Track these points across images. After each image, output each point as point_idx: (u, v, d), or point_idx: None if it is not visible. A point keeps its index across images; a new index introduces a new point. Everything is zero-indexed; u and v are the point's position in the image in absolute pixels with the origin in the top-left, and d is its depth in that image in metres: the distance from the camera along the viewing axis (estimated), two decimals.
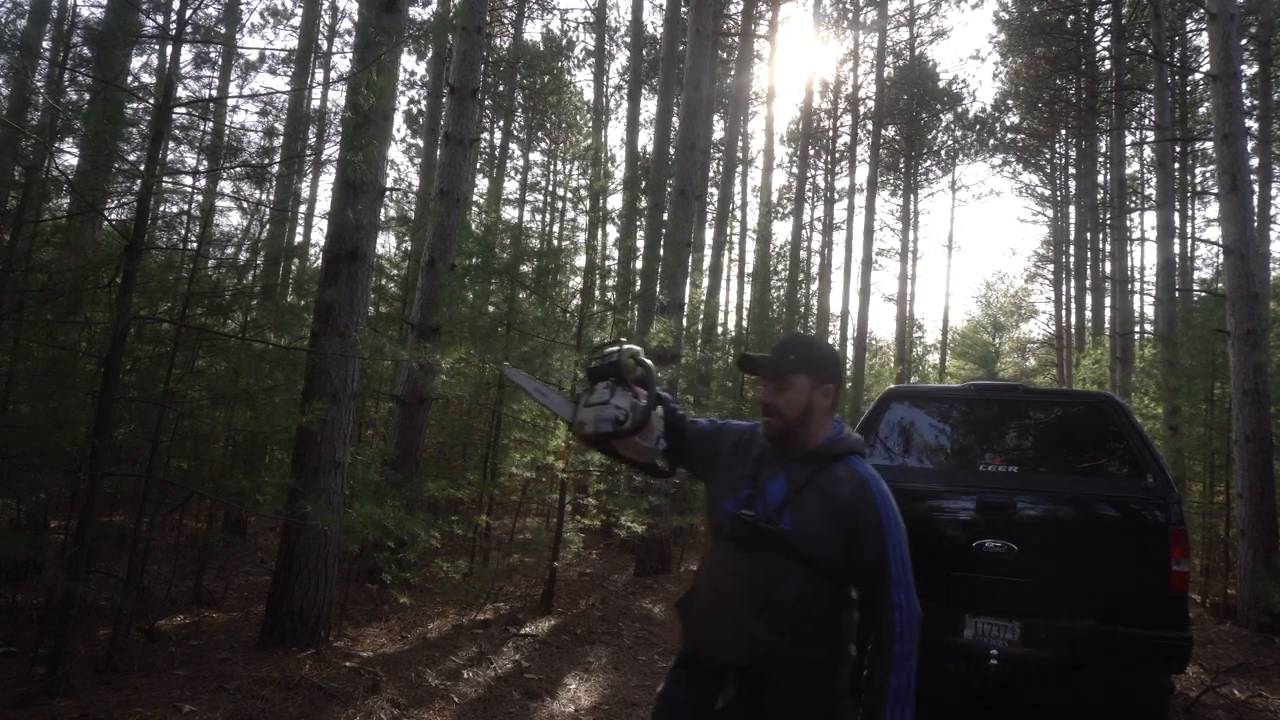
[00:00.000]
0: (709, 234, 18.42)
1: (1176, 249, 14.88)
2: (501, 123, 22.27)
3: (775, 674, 1.72)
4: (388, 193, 7.66)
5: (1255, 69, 15.64)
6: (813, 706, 1.75)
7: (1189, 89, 18.45)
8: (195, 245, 5.21)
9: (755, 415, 2.03)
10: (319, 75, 17.06)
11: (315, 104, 17.11)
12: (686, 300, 10.55)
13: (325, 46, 18.22)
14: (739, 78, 19.53)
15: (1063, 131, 24.65)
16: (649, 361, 2.00)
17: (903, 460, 4.61)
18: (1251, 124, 14.89)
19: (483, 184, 22.89)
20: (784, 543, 1.74)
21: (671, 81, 11.78)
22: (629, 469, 2.05)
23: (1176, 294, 13.46)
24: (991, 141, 26.97)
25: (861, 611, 1.84)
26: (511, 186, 25.24)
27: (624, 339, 1.95)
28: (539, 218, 24.04)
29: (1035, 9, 21.40)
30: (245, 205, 5.90)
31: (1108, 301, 21.42)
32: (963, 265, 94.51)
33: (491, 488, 7.41)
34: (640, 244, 10.89)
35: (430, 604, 6.31)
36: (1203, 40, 17.71)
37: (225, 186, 5.44)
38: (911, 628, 1.75)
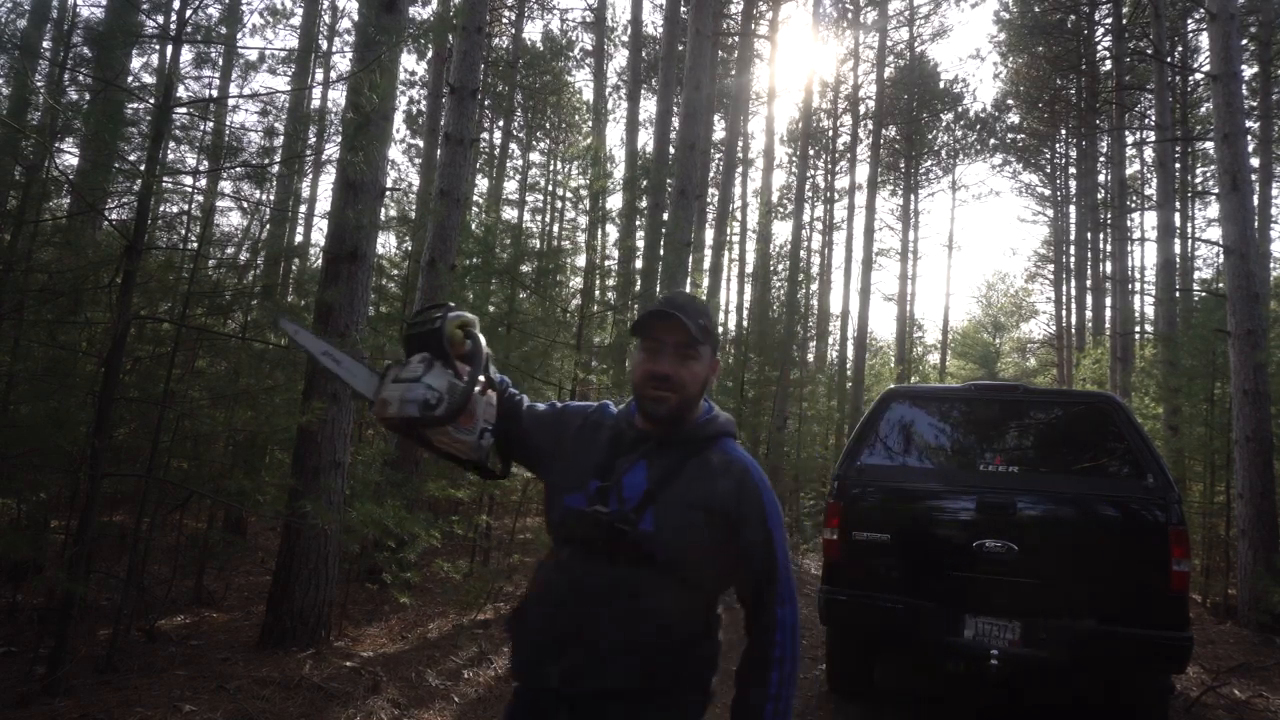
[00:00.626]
0: (709, 234, 18.44)
1: (1177, 249, 14.88)
2: (501, 123, 22.29)
3: (622, 712, 1.43)
4: (388, 193, 7.66)
5: (1255, 69, 15.64)
6: None
7: (1189, 89, 18.45)
8: (195, 245, 5.21)
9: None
10: (319, 75, 17.07)
11: (315, 104, 17.12)
12: None
13: (325, 46, 18.22)
14: (739, 78, 19.54)
15: (1063, 131, 24.66)
16: (480, 335, 1.62)
17: (903, 460, 4.62)
18: (1252, 124, 14.89)
19: (483, 184, 22.90)
20: (644, 548, 1.42)
21: (671, 81, 11.78)
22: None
23: (1177, 294, 13.46)
24: (992, 141, 27.01)
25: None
26: (511, 186, 25.25)
27: (454, 304, 1.63)
28: (539, 218, 24.07)
29: (1035, 9, 21.41)
30: (245, 205, 5.91)
31: (1108, 301, 21.44)
32: (963, 265, 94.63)
33: (491, 488, 7.40)
34: (640, 244, 10.89)
35: (431, 604, 6.30)
36: (1203, 40, 17.73)
37: (225, 186, 5.45)
38: (794, 649, 1.48)
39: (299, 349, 1.76)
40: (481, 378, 1.56)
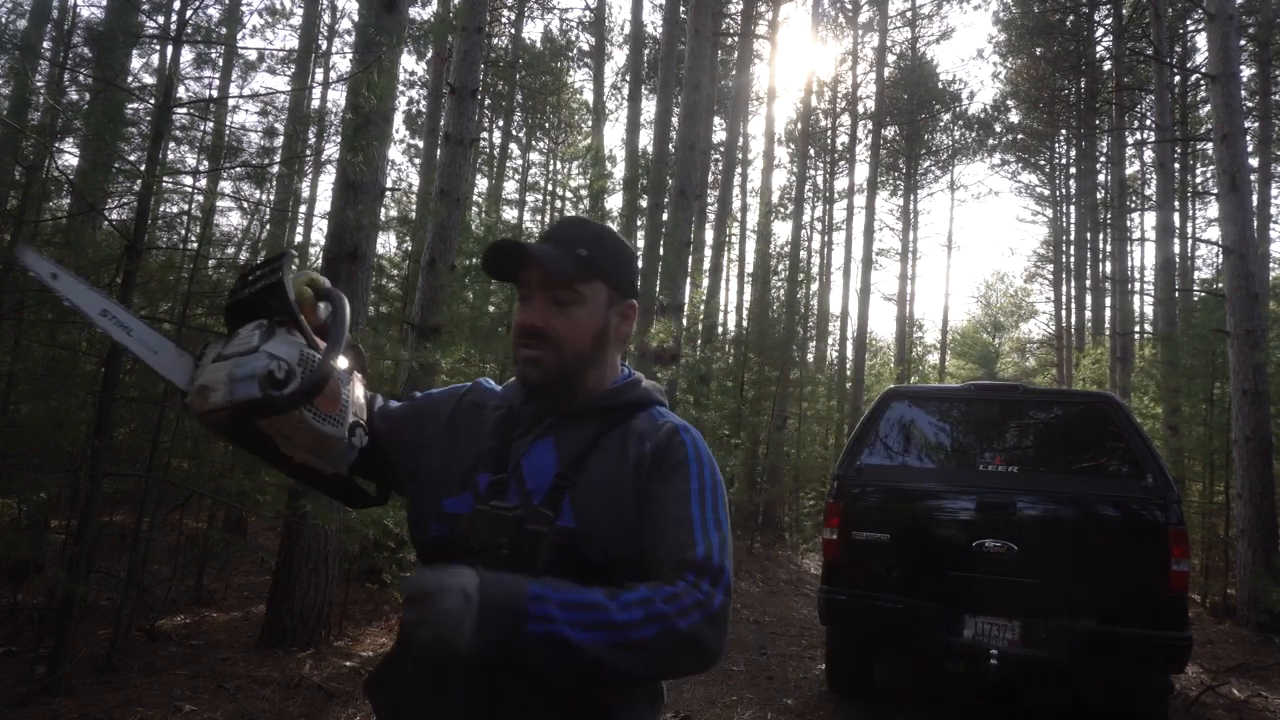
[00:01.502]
0: (709, 234, 18.44)
1: (1176, 249, 14.89)
2: (501, 123, 22.29)
3: None
4: (388, 193, 7.66)
5: (1254, 69, 15.65)
6: None
7: (1189, 89, 18.46)
8: (195, 245, 5.21)
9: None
10: (319, 75, 17.08)
11: (315, 104, 17.13)
12: (687, 300, 10.57)
13: (325, 46, 18.22)
14: (739, 78, 19.54)
15: (1063, 131, 24.67)
16: (335, 290, 1.22)
17: (903, 460, 4.62)
18: (1251, 124, 14.90)
19: (483, 184, 22.89)
20: (567, 549, 1.05)
21: (671, 81, 11.78)
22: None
23: (1176, 294, 13.47)
24: (991, 141, 27.02)
25: None
26: (511, 186, 25.25)
27: (293, 250, 1.28)
28: (539, 218, 24.06)
29: (1036, 9, 21.42)
30: (245, 205, 5.91)
31: (1108, 301, 21.45)
32: (963, 265, 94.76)
33: None
34: (640, 244, 10.89)
35: None
36: (1202, 40, 17.72)
37: (225, 186, 5.46)
38: (689, 629, 0.97)
39: (63, 303, 1.17)
40: (343, 358, 1.13)
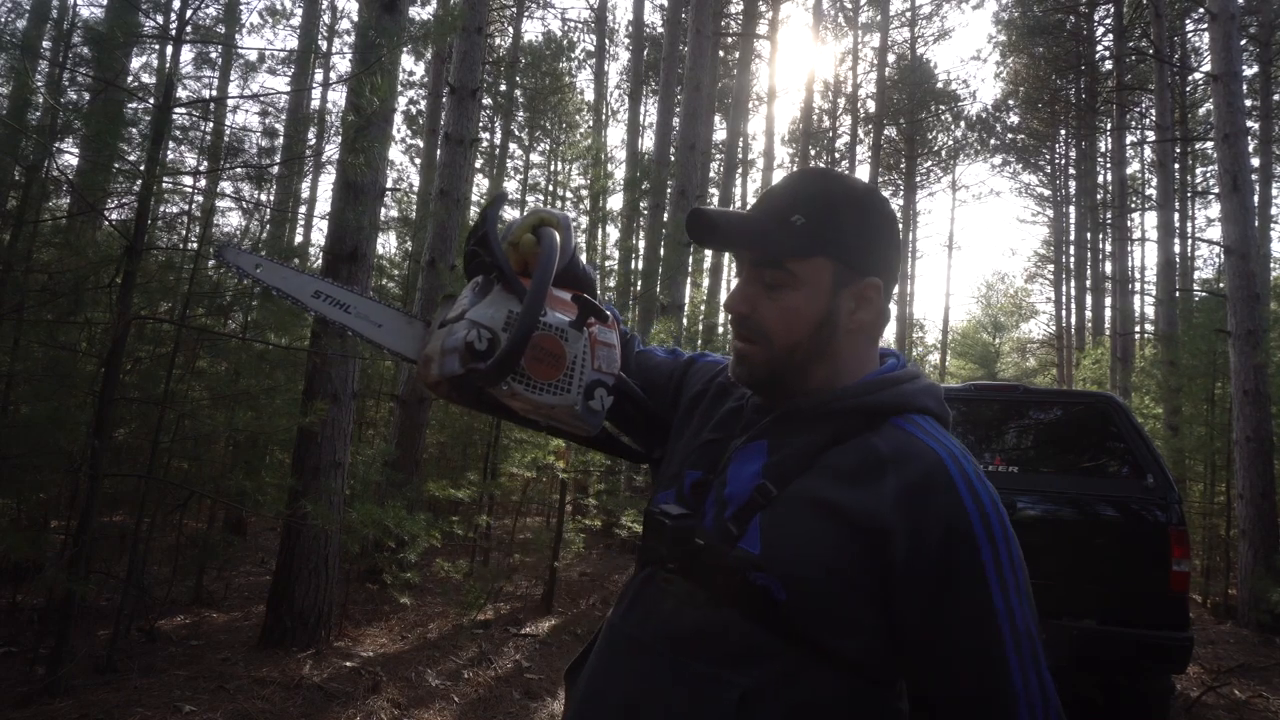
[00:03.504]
0: None
1: (1177, 249, 14.88)
2: (501, 123, 22.28)
3: None
4: (388, 193, 7.66)
5: (1255, 69, 15.64)
6: None
7: (1189, 89, 18.45)
8: (196, 245, 5.21)
9: None
10: (319, 75, 17.08)
11: (315, 104, 17.13)
12: (687, 301, 10.57)
13: (325, 47, 18.22)
14: (739, 78, 19.53)
15: (1063, 131, 24.67)
16: (547, 229, 1.03)
17: None
18: (1252, 124, 14.90)
19: (483, 184, 22.89)
20: (741, 582, 0.84)
21: (672, 82, 11.78)
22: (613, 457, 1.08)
23: (1177, 294, 13.46)
24: (992, 141, 27.03)
25: None
26: (512, 186, 25.24)
27: (505, 192, 1.17)
28: None
29: (1036, 9, 21.42)
30: (245, 205, 5.91)
31: (1108, 301, 21.44)
32: (963, 265, 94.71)
33: (492, 488, 7.40)
34: (641, 244, 10.89)
35: (431, 604, 6.30)
36: (1203, 40, 17.72)
37: (225, 187, 5.45)
38: None
39: (271, 292, 1.11)
40: (565, 295, 1.00)
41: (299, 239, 17.58)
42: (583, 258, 1.12)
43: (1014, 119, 26.14)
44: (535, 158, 25.73)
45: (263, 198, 5.92)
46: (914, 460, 0.83)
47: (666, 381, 1.15)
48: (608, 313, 1.02)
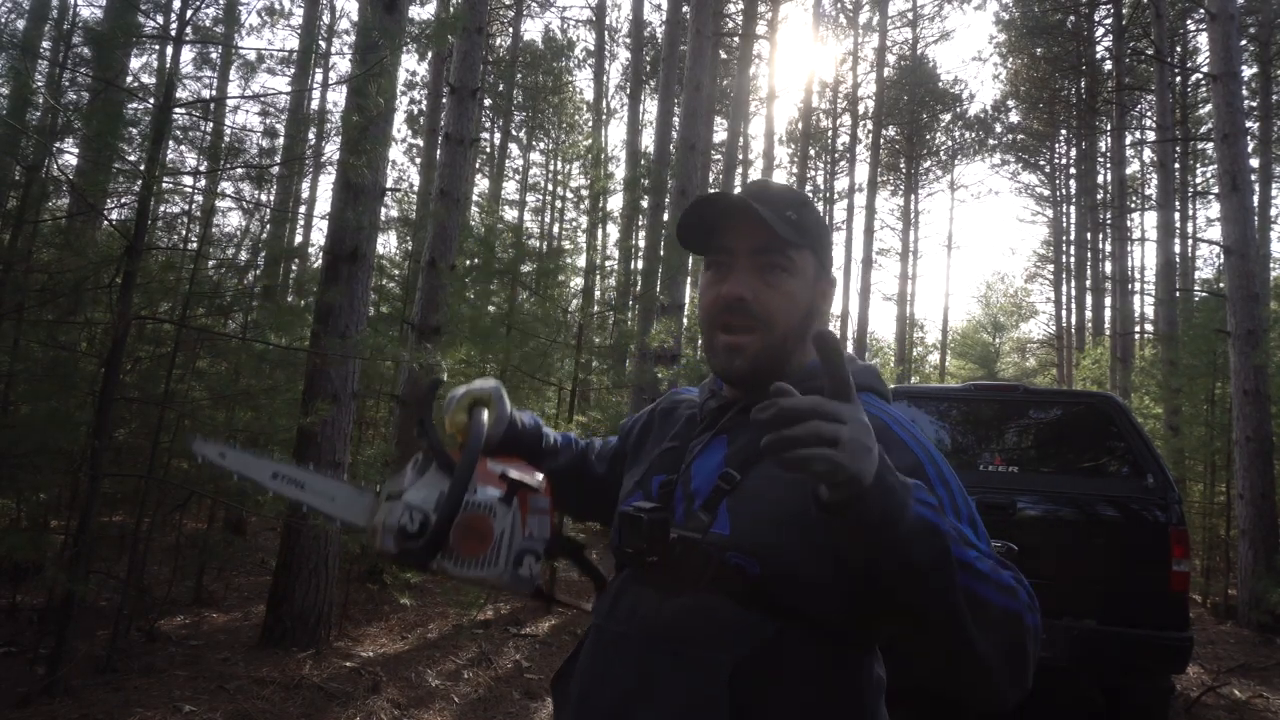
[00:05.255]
0: None
1: (1177, 249, 14.88)
2: (501, 123, 22.29)
3: None
4: (388, 193, 7.66)
5: (1255, 69, 15.65)
6: None
7: (1189, 89, 18.45)
8: (196, 246, 5.21)
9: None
10: (319, 75, 17.08)
11: (315, 104, 17.13)
12: (687, 300, 10.57)
13: (325, 46, 18.23)
14: (739, 78, 19.53)
15: (1063, 131, 24.67)
16: (488, 409, 1.17)
17: None
18: (1252, 124, 14.90)
19: (483, 184, 22.91)
20: (717, 563, 0.91)
21: (672, 82, 11.78)
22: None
23: (1177, 294, 13.46)
24: (991, 141, 27.05)
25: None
26: (511, 186, 25.26)
27: (442, 377, 1.19)
28: (539, 218, 24.06)
29: (1036, 9, 21.42)
30: (245, 205, 5.91)
31: (1108, 301, 21.44)
32: (963, 265, 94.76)
33: None
34: (641, 244, 10.89)
35: (430, 604, 6.30)
36: (1203, 40, 17.72)
37: (226, 187, 5.45)
38: (1035, 628, 0.83)
39: (234, 476, 1.21)
40: (498, 469, 1.04)
41: (299, 239, 17.59)
42: (523, 415, 1.23)
43: (1014, 119, 26.15)
44: (535, 157, 25.75)
45: (263, 198, 5.92)
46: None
47: (618, 444, 1.27)
48: (537, 482, 1.06)
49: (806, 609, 0.89)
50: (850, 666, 0.92)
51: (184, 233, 5.97)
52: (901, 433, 0.95)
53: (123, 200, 5.20)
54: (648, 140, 20.73)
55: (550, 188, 23.32)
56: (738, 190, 1.05)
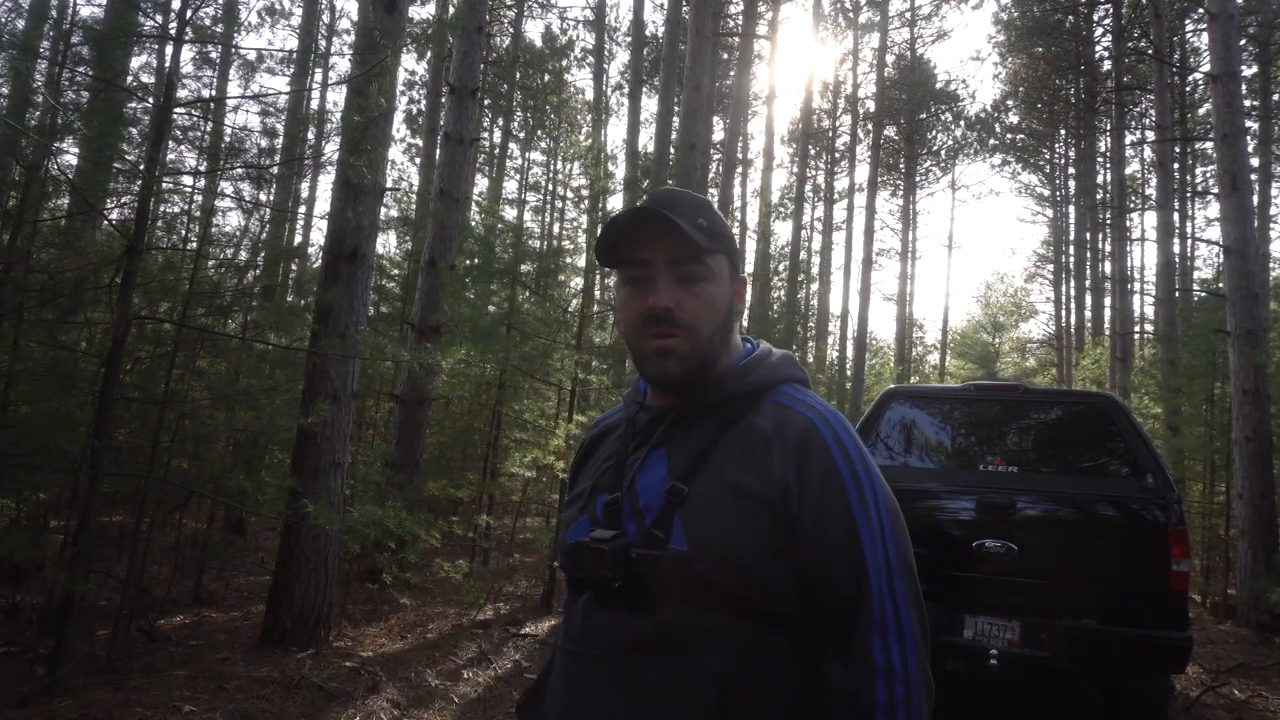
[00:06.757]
0: None
1: (1176, 249, 14.88)
2: (501, 122, 22.29)
3: None
4: (388, 193, 7.66)
5: (1255, 69, 15.65)
6: None
7: (1189, 89, 18.45)
8: (195, 245, 5.21)
9: None
10: (319, 75, 17.08)
11: (315, 104, 17.13)
12: None
13: (325, 46, 18.21)
14: (739, 78, 19.52)
15: (1062, 131, 24.68)
16: None
17: (903, 460, 4.62)
18: (1251, 124, 14.90)
19: (483, 184, 22.91)
20: (683, 574, 0.93)
21: (672, 81, 11.78)
22: None
23: (1177, 294, 13.46)
24: (991, 141, 27.05)
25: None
26: (511, 186, 25.26)
27: None
28: (539, 218, 24.05)
29: (1035, 9, 21.42)
30: (245, 205, 5.91)
31: (1108, 301, 21.45)
32: (963, 265, 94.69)
33: (492, 488, 7.41)
34: None
35: (430, 604, 6.31)
36: (1203, 40, 17.72)
37: (225, 187, 5.45)
38: (912, 715, 0.91)
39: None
40: None
41: (299, 239, 17.58)
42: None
43: (1014, 119, 26.16)
44: (535, 156, 25.74)
45: (263, 197, 5.92)
46: (790, 428, 0.99)
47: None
48: None
49: (775, 609, 0.95)
50: (818, 653, 0.96)
51: (184, 233, 5.97)
52: (828, 437, 0.99)
53: (122, 200, 5.20)
54: (647, 139, 20.74)
55: (550, 187, 23.30)
56: (642, 202, 1.08)
